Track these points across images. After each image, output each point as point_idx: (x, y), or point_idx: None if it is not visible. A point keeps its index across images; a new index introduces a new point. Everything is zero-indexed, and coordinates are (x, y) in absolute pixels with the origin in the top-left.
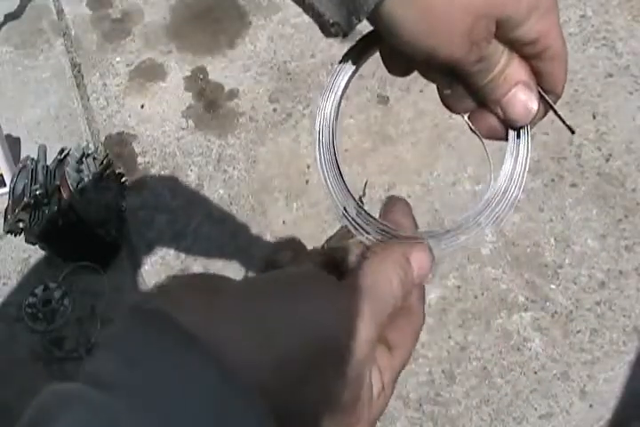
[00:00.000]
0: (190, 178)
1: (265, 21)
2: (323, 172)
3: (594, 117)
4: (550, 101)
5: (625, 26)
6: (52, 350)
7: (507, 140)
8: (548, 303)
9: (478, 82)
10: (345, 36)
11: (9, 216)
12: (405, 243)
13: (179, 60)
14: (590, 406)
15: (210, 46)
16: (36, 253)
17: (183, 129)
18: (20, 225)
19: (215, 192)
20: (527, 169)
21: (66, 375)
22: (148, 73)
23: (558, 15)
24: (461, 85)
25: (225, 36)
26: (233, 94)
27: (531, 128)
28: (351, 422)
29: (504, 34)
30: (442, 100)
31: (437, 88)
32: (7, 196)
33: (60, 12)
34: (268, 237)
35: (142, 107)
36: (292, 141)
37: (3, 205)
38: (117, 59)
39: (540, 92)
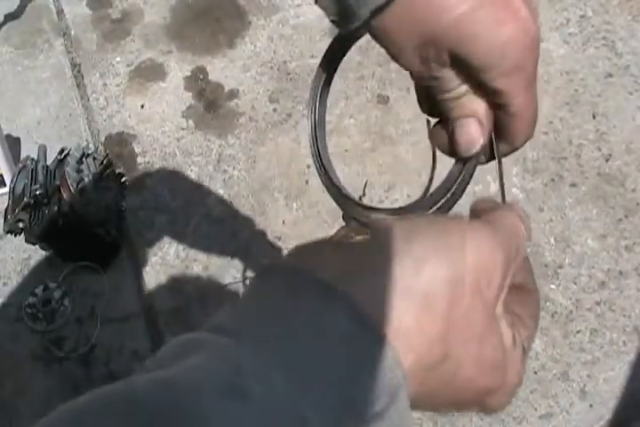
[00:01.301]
0: (190, 178)
1: (265, 21)
2: (320, 176)
3: (594, 117)
4: (497, 151)
5: (625, 26)
6: (52, 350)
7: (454, 160)
8: (547, 303)
9: (435, 94)
10: (342, 33)
11: (9, 216)
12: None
13: (179, 60)
14: (590, 406)
15: (210, 46)
16: (36, 253)
17: (183, 129)
18: (20, 225)
19: (215, 192)
20: (460, 198)
21: (66, 375)
22: (148, 73)
23: (532, 77)
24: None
25: (225, 36)
26: (233, 94)
27: (474, 165)
28: (493, 370)
29: (463, 71)
30: (416, 97)
31: (414, 82)
32: (7, 196)
33: (59, 12)
34: (268, 237)
35: (142, 107)
36: (292, 141)
37: (3, 205)
38: (117, 59)
39: (491, 139)
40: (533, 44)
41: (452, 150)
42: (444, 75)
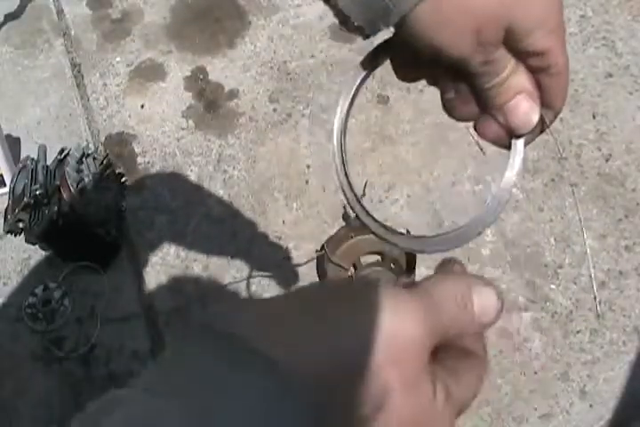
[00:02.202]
0: (190, 178)
1: (265, 21)
2: (337, 170)
3: (594, 117)
4: (546, 120)
5: (625, 26)
6: (52, 350)
7: (509, 148)
8: (547, 303)
9: (483, 84)
10: (367, 37)
11: (9, 216)
12: (473, 277)
13: (179, 60)
14: (590, 406)
15: (210, 46)
16: (36, 253)
17: (183, 129)
18: (20, 225)
19: (215, 192)
20: (521, 176)
21: (66, 375)
22: (148, 73)
23: (564, 36)
24: (467, 87)
25: (225, 36)
26: (233, 94)
27: (528, 142)
28: None
29: (513, 43)
30: (445, 105)
31: (441, 94)
32: (7, 196)
33: (59, 12)
34: (268, 237)
35: (142, 107)
36: (292, 141)
37: (3, 205)
38: (117, 59)
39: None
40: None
41: (506, 137)
42: (496, 56)
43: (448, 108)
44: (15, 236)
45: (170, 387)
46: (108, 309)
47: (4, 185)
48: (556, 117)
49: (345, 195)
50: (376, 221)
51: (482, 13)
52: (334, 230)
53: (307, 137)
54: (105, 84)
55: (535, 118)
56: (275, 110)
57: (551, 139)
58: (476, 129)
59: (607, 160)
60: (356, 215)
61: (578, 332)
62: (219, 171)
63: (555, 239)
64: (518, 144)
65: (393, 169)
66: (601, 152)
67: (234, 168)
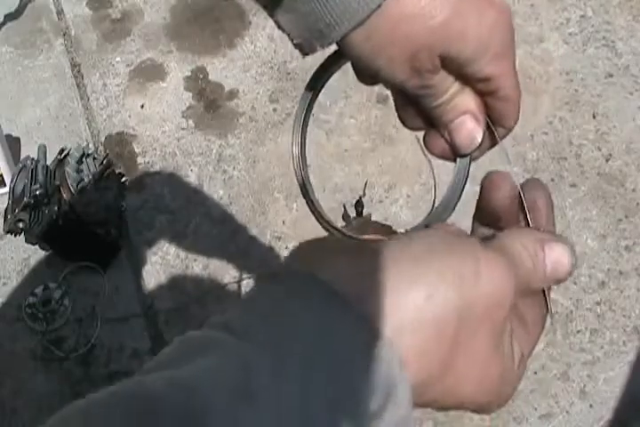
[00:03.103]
0: (190, 178)
1: (265, 21)
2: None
3: (594, 117)
4: (497, 136)
5: (625, 26)
6: (52, 350)
7: (455, 162)
8: None
9: (426, 104)
10: (306, 55)
11: (9, 216)
12: (547, 233)
13: (179, 60)
14: (590, 406)
15: (210, 46)
16: (36, 253)
17: (183, 129)
18: (20, 225)
19: (215, 192)
20: (461, 196)
21: (66, 375)
22: (148, 73)
23: (514, 59)
24: (413, 105)
25: (225, 36)
26: (233, 94)
27: (476, 157)
28: (492, 390)
29: (453, 69)
30: (398, 114)
31: (393, 103)
32: (7, 196)
33: (59, 12)
34: (268, 237)
35: (142, 107)
36: None
37: (3, 205)
38: (117, 59)
39: (489, 126)
40: (511, 23)
41: (451, 152)
42: (436, 81)
43: (399, 117)
44: (15, 236)
45: (264, 334)
46: (108, 309)
47: (4, 185)
48: (507, 134)
49: (313, 213)
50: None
51: (412, 43)
52: (334, 230)
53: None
54: (105, 84)
55: (478, 139)
56: (275, 110)
57: (551, 139)
58: (424, 143)
59: (607, 160)
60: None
61: (578, 332)
62: (219, 171)
63: None
64: (461, 162)
65: (393, 169)
66: (601, 152)
67: (234, 168)
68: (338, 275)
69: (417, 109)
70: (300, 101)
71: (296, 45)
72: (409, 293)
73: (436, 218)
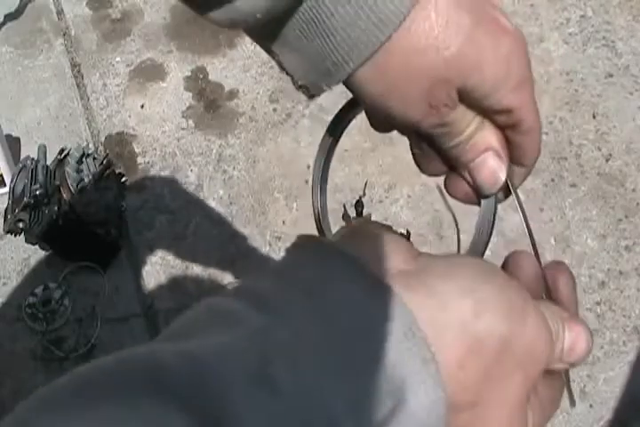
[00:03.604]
0: (190, 178)
1: None
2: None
3: (594, 117)
4: (517, 196)
5: (625, 26)
6: (52, 350)
7: (479, 205)
8: None
9: (443, 145)
10: (312, 97)
11: (9, 216)
12: (567, 312)
13: (179, 60)
14: (590, 406)
15: (210, 46)
16: (36, 253)
17: (183, 129)
18: (20, 225)
19: (215, 192)
20: (489, 240)
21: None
22: (148, 73)
23: (533, 89)
24: (430, 147)
25: (225, 36)
26: (233, 94)
27: (501, 199)
28: None
29: (472, 102)
30: (415, 160)
31: (410, 148)
32: (7, 196)
33: (59, 12)
34: (268, 237)
35: (142, 107)
36: (292, 141)
37: (3, 205)
38: (117, 59)
39: (507, 184)
40: (527, 52)
41: (474, 194)
42: (455, 117)
43: (417, 163)
44: (15, 236)
45: (291, 311)
46: (108, 309)
47: (4, 185)
48: (527, 175)
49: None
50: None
51: (428, 77)
52: (334, 230)
53: (307, 137)
54: (105, 84)
55: (502, 177)
56: (275, 110)
57: (551, 139)
58: (445, 187)
59: (607, 160)
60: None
61: None
62: (219, 171)
63: (555, 239)
64: (486, 204)
65: (393, 169)
66: (601, 152)
67: (234, 168)
68: (386, 268)
69: (435, 153)
70: (319, 147)
71: (301, 87)
72: (458, 304)
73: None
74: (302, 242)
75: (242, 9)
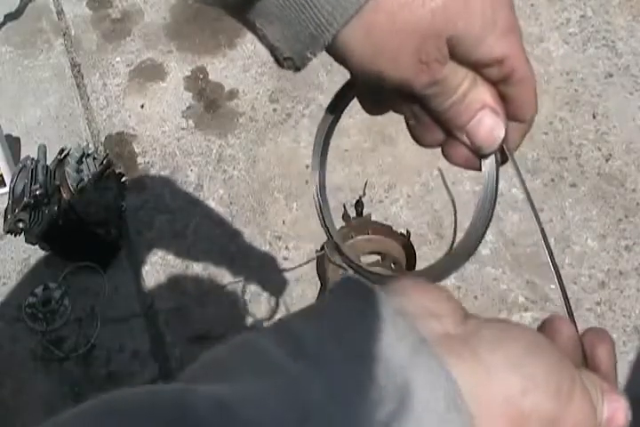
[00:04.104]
0: (190, 178)
1: None
2: (318, 208)
3: (594, 117)
4: (511, 154)
5: (625, 26)
6: (51, 350)
7: (480, 169)
8: (547, 303)
9: (438, 107)
10: (297, 70)
11: (9, 216)
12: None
13: (179, 60)
14: None
15: (210, 46)
16: (36, 253)
17: (183, 129)
18: (20, 225)
19: (215, 192)
20: (495, 203)
21: (66, 375)
22: (148, 73)
23: (520, 36)
24: (425, 113)
25: (225, 36)
26: (233, 94)
27: (504, 160)
28: None
29: (463, 55)
30: (411, 133)
31: (405, 122)
32: (7, 196)
33: (59, 12)
34: (268, 237)
35: (142, 107)
36: (292, 141)
37: (3, 205)
38: (117, 59)
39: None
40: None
41: (473, 158)
42: (447, 73)
43: (413, 136)
44: (15, 236)
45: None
46: (108, 309)
47: (4, 185)
48: (528, 130)
49: (327, 233)
50: (352, 260)
51: (416, 31)
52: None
53: (306, 137)
54: (105, 84)
55: (501, 134)
56: (275, 110)
57: (551, 139)
58: (443, 154)
59: (607, 160)
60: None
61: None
62: (219, 171)
63: (555, 239)
64: (488, 163)
65: (393, 169)
66: (601, 152)
67: (234, 168)
68: (435, 329)
69: (431, 120)
70: (319, 126)
71: (286, 60)
72: (505, 378)
73: (476, 226)
74: (349, 285)
75: None
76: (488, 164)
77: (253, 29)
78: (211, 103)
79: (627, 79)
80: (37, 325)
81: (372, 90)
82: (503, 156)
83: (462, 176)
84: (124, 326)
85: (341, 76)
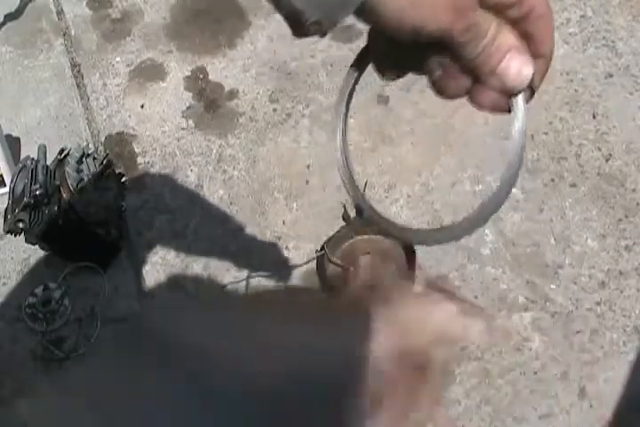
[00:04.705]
0: (190, 178)
1: (265, 21)
2: (342, 168)
3: (594, 117)
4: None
5: (625, 26)
6: (51, 350)
7: (509, 111)
8: (547, 303)
9: (471, 53)
10: (323, 35)
11: (9, 216)
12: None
13: (179, 60)
14: (590, 406)
15: (210, 46)
16: (36, 253)
17: (183, 129)
18: (20, 225)
19: (215, 192)
20: (526, 134)
21: (66, 375)
22: (148, 73)
23: None
24: (454, 62)
25: (225, 36)
26: (233, 94)
27: (529, 98)
28: None
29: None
30: (435, 87)
31: (428, 76)
32: (7, 196)
33: (59, 12)
34: (268, 237)
35: (142, 107)
36: (292, 141)
37: (3, 205)
38: (117, 59)
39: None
40: None
41: (502, 100)
42: (478, 19)
43: (438, 88)
44: (15, 236)
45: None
46: (108, 309)
47: (4, 185)
48: (548, 65)
49: (349, 192)
50: (381, 216)
51: None
52: (334, 230)
53: (307, 137)
54: (105, 84)
55: (530, 71)
56: (275, 110)
57: (551, 139)
58: (472, 101)
59: (607, 160)
60: (359, 210)
61: (578, 332)
62: (219, 171)
63: (555, 239)
64: (519, 100)
65: (393, 169)
66: (601, 152)
67: (234, 168)
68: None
69: (457, 70)
70: (344, 80)
71: (312, 25)
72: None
73: (512, 167)
74: None
75: None
76: (518, 102)
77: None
78: (211, 103)
79: (627, 79)
80: (37, 325)
81: (392, 51)
82: (527, 93)
83: (462, 176)
84: (124, 326)
85: (341, 76)
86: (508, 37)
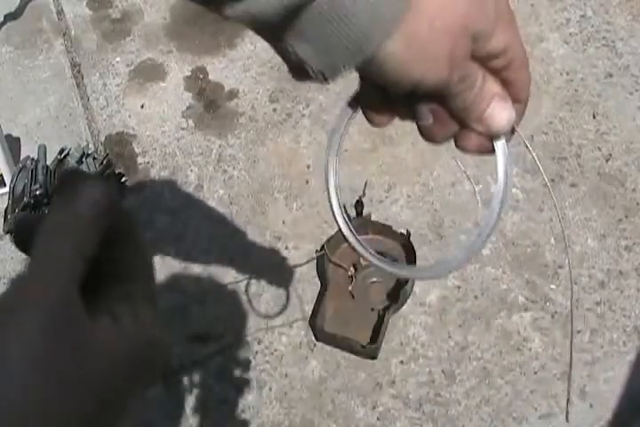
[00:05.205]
0: (190, 178)
1: None
2: (328, 183)
3: (594, 117)
4: (517, 131)
5: (625, 26)
6: None
7: (494, 151)
8: (547, 303)
9: (464, 102)
10: (326, 82)
11: (9, 216)
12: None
13: (179, 60)
14: (590, 406)
15: (210, 46)
16: None
17: (183, 129)
18: None
19: (215, 192)
20: (512, 170)
21: None
22: (148, 73)
23: (517, 26)
24: (442, 109)
25: (225, 36)
26: (233, 94)
27: (509, 138)
28: None
29: (477, 50)
30: (424, 133)
31: (417, 124)
32: (7, 196)
33: (59, 12)
34: (268, 237)
35: (142, 107)
36: (292, 141)
37: (3, 205)
38: (117, 59)
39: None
40: None
41: (487, 142)
42: (471, 68)
43: (427, 135)
44: None
45: None
46: None
47: (4, 185)
48: (524, 110)
49: (341, 231)
50: (371, 253)
51: (451, 33)
52: (334, 230)
53: (306, 137)
54: (105, 84)
55: (513, 116)
56: (275, 110)
57: (551, 139)
58: (457, 145)
59: (607, 160)
60: (349, 244)
61: (578, 332)
62: (219, 171)
63: (555, 239)
64: (501, 145)
65: (393, 169)
66: (601, 152)
67: (234, 168)
68: None
69: (446, 117)
70: (339, 117)
71: (316, 74)
72: None
73: (501, 202)
74: None
75: (262, 1)
76: (501, 144)
77: (280, 46)
78: (211, 103)
79: (627, 79)
80: None
81: (382, 99)
82: (508, 135)
83: (462, 176)
84: None
85: (341, 76)
86: (492, 85)
